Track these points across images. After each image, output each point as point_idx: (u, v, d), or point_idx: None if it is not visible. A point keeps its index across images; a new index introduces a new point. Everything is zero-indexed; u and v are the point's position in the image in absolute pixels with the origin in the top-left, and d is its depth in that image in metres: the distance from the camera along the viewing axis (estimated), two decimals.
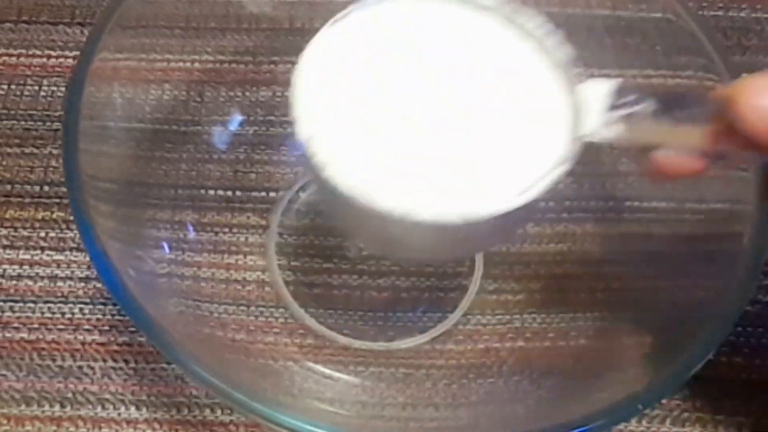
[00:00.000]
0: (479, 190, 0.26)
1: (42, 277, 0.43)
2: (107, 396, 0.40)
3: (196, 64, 0.44)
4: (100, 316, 0.42)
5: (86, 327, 0.42)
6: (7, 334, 0.41)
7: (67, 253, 0.43)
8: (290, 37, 0.45)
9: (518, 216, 0.27)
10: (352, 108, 0.27)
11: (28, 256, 0.43)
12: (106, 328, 0.42)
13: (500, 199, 0.26)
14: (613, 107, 0.27)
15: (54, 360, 0.41)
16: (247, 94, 0.46)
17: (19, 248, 0.44)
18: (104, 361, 0.41)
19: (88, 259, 0.41)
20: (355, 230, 0.33)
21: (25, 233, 0.44)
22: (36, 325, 0.41)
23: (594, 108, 0.27)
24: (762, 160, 0.27)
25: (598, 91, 0.27)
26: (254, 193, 0.45)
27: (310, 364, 0.40)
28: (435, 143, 0.27)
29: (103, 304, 0.42)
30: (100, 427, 0.39)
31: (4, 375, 0.40)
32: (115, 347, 0.41)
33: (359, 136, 0.27)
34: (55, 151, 0.46)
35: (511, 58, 0.29)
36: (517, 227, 0.31)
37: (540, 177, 0.27)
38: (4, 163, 0.46)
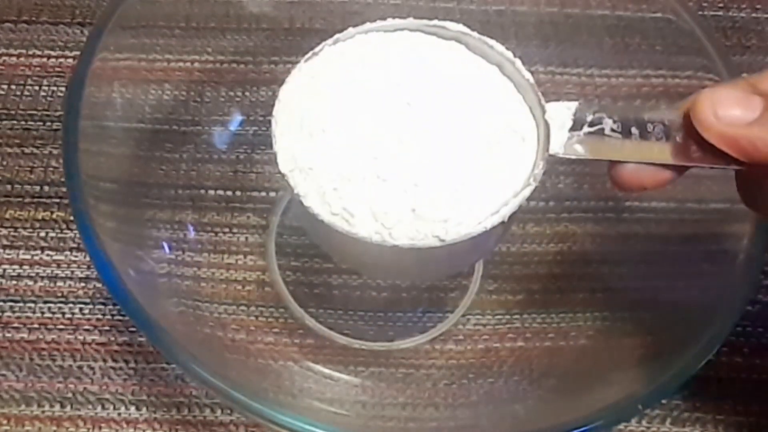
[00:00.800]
0: (454, 212, 0.28)
1: (42, 277, 0.43)
2: (107, 396, 0.40)
3: (196, 64, 0.44)
4: (100, 316, 0.42)
5: (86, 327, 0.42)
6: (7, 334, 0.41)
7: (67, 253, 0.43)
8: (290, 37, 0.45)
9: (494, 234, 0.28)
10: (329, 139, 0.28)
11: (28, 256, 0.43)
12: (106, 328, 0.42)
13: (475, 220, 0.28)
14: (576, 127, 0.28)
15: (54, 360, 0.41)
16: (247, 94, 0.46)
17: (19, 248, 0.44)
18: (104, 361, 0.41)
19: (88, 259, 0.41)
20: (337, 254, 0.34)
21: (25, 233, 0.44)
22: (36, 325, 0.42)
23: (558, 128, 0.28)
24: (726, 170, 0.27)
25: (561, 112, 0.29)
26: (254, 193, 0.45)
27: (310, 364, 0.40)
28: (410, 168, 0.28)
29: (103, 304, 0.42)
30: (100, 427, 0.39)
31: (4, 375, 0.40)
32: (115, 347, 0.41)
33: (337, 166, 0.28)
34: (55, 151, 0.46)
35: (477, 84, 0.30)
36: (493, 244, 0.33)
37: (511, 196, 0.28)
38: (4, 163, 0.46)
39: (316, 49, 0.30)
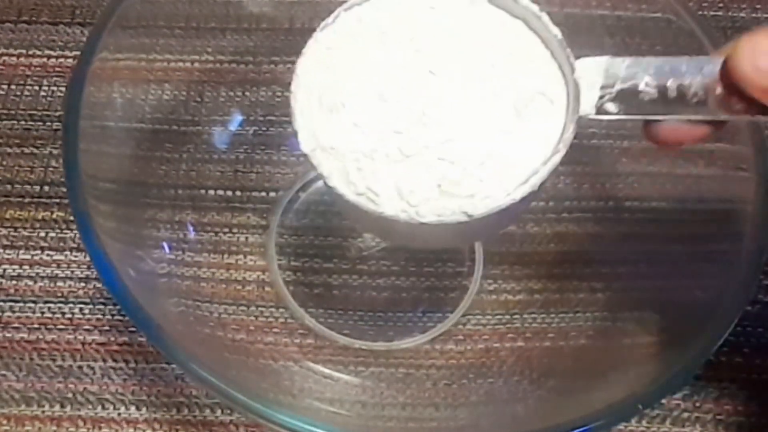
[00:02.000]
0: (482, 185, 0.26)
1: (42, 277, 0.43)
2: (107, 396, 0.40)
3: (196, 64, 0.44)
4: (100, 316, 0.42)
5: (86, 327, 0.42)
6: (7, 334, 0.41)
7: (67, 253, 0.43)
8: (290, 37, 0.45)
9: (522, 203, 0.27)
10: (349, 114, 0.27)
11: (28, 256, 0.43)
12: (106, 328, 0.42)
13: (504, 191, 0.26)
14: (607, 84, 0.27)
15: (54, 360, 0.41)
16: (247, 94, 0.46)
17: (19, 248, 0.44)
18: (104, 361, 0.41)
19: (88, 259, 0.41)
20: (364, 228, 0.34)
21: (25, 233, 0.44)
22: (36, 325, 0.42)
23: (588, 88, 0.27)
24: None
25: (591, 69, 0.27)
26: (254, 193, 0.45)
27: (310, 364, 0.40)
28: (435, 141, 0.27)
29: (103, 304, 0.42)
30: (100, 427, 0.39)
31: (4, 375, 0.40)
32: (115, 347, 0.41)
33: (359, 143, 0.27)
34: (55, 151, 0.46)
35: (502, 43, 0.28)
36: (522, 211, 0.31)
37: (541, 163, 0.26)
38: (4, 163, 0.46)
39: (330, 18, 0.28)
